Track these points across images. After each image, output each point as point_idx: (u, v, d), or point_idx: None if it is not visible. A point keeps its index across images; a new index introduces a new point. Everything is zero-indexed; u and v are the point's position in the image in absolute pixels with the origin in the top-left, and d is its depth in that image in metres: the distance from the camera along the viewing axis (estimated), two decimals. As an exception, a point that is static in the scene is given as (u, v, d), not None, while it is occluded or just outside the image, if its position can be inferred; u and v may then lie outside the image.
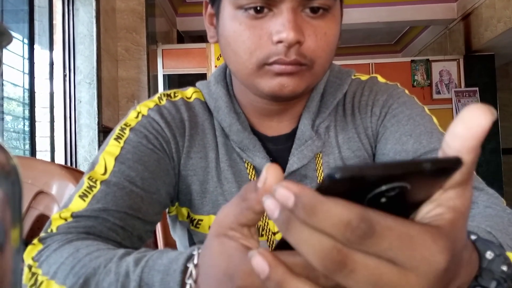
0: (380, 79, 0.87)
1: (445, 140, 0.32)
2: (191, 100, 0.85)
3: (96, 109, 3.80)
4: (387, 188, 0.30)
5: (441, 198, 0.33)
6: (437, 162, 0.30)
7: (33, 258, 0.62)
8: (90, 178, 0.71)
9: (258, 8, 0.67)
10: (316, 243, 0.30)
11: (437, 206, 0.33)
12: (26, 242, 0.66)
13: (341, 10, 0.76)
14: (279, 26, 0.66)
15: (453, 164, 0.30)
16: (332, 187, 0.29)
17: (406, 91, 0.84)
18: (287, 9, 0.66)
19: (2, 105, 2.92)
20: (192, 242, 0.84)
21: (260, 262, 0.33)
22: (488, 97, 5.89)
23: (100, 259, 0.56)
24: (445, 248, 0.30)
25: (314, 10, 0.68)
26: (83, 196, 0.69)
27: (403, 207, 0.32)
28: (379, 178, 0.29)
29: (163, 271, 0.48)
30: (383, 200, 0.31)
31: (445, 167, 0.30)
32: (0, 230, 0.25)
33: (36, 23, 3.37)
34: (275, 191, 0.31)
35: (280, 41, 0.66)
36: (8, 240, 0.26)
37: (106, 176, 0.71)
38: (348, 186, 0.29)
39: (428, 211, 0.33)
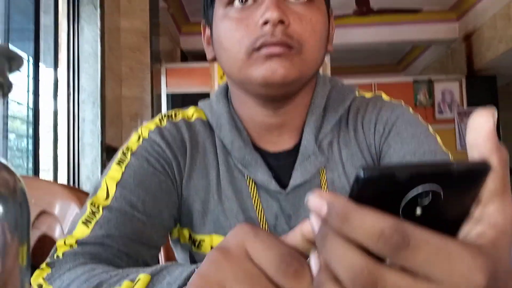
0: (385, 97, 0.87)
1: (468, 154, 0.32)
2: (192, 119, 0.85)
3: (99, 128, 3.81)
4: (419, 192, 0.29)
5: (481, 215, 0.32)
6: (464, 164, 0.29)
7: (44, 278, 0.64)
8: (92, 204, 0.72)
9: (243, 0, 0.72)
10: (348, 260, 0.29)
11: (478, 223, 0.32)
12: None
13: (328, 12, 0.80)
14: (263, 10, 0.69)
15: (480, 166, 0.30)
16: (363, 191, 0.29)
17: (411, 110, 0.84)
18: None
19: (7, 124, 2.93)
20: None
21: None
22: (490, 117, 5.88)
23: (116, 272, 0.57)
24: (485, 267, 0.29)
25: None
26: (86, 223, 0.70)
27: (443, 225, 0.31)
28: (408, 177, 0.29)
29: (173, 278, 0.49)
30: (419, 212, 0.30)
31: (474, 170, 0.30)
32: (9, 250, 0.26)
33: (42, 42, 3.40)
34: (308, 200, 0.31)
35: (265, 22, 0.68)
36: (16, 260, 0.26)
37: (108, 202, 0.71)
38: (378, 189, 0.29)
39: (469, 230, 0.32)
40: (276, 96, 0.76)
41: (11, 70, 0.27)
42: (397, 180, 0.29)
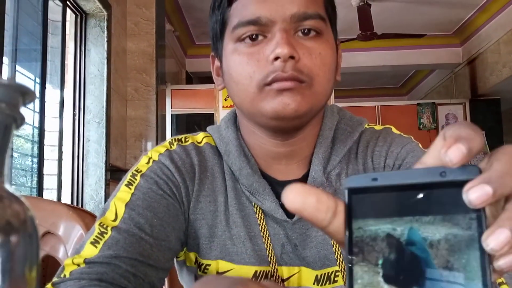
0: (395, 130, 0.87)
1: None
2: (201, 144, 0.86)
3: (104, 148, 3.83)
4: None
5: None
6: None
7: None
8: (101, 225, 0.72)
9: (254, 36, 0.73)
10: None
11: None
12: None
13: (336, 42, 0.80)
14: (274, 46, 0.70)
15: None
16: None
17: (420, 145, 0.84)
18: (279, 30, 0.71)
19: (12, 142, 2.95)
20: None
21: None
22: (494, 141, 5.89)
23: None
24: None
25: (306, 33, 0.73)
26: (94, 243, 0.70)
27: None
28: None
29: None
30: None
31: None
32: (18, 280, 0.26)
33: (49, 63, 3.44)
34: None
35: (276, 58, 0.70)
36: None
37: (117, 223, 0.72)
38: None
39: None
40: (286, 128, 0.77)
41: (24, 104, 0.29)
42: None
